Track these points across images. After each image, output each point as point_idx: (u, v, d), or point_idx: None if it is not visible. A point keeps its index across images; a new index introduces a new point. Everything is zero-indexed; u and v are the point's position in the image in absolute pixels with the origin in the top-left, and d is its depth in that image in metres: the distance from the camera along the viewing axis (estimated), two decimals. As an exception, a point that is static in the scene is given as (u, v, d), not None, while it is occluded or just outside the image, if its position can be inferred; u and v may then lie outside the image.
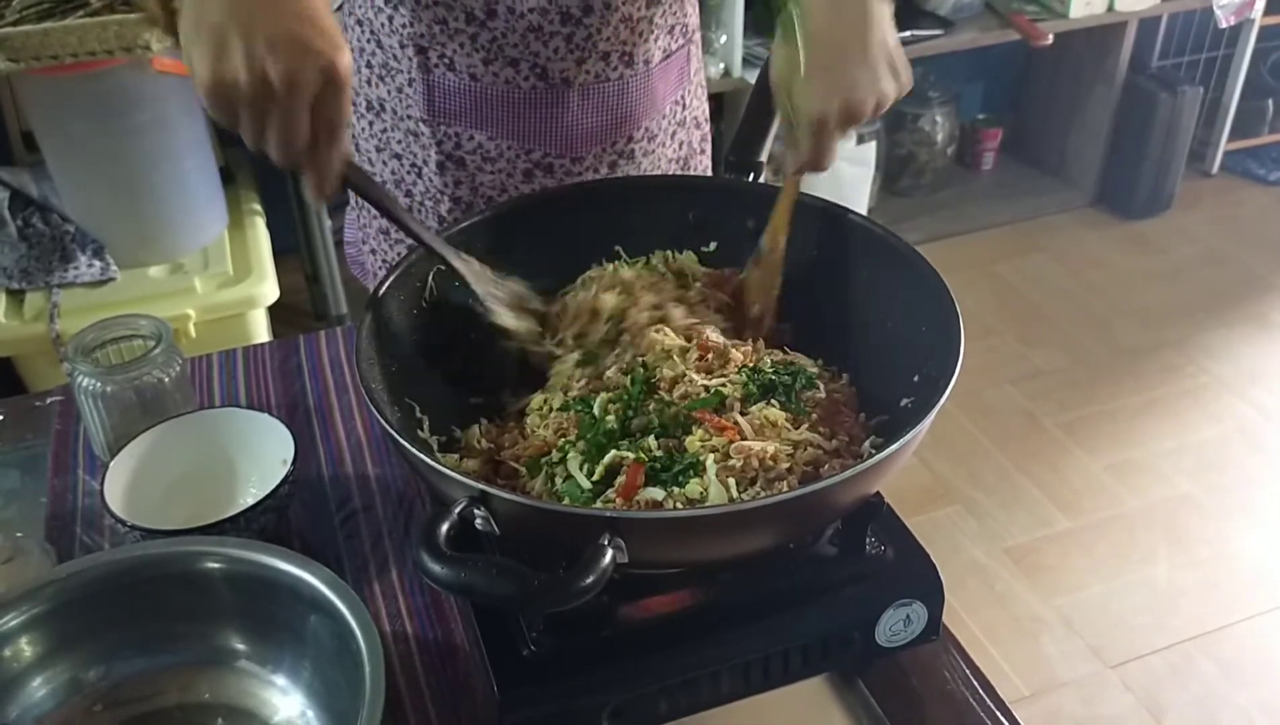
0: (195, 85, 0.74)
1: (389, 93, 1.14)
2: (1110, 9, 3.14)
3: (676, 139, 1.23)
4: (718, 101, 2.91)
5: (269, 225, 2.36)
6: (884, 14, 0.88)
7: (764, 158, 1.04)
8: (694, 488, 0.78)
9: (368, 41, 1.13)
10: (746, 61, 2.83)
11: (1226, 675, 2.05)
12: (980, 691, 0.86)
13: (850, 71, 0.85)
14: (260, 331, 2.19)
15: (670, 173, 1.23)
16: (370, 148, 1.19)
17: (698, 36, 1.22)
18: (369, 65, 1.14)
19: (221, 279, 2.14)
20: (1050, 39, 2.98)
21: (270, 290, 2.16)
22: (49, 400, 1.17)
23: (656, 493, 0.78)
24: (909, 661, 0.88)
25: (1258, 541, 2.34)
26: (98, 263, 2.11)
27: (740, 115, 1.07)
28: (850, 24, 0.86)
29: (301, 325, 2.76)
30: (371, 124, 1.18)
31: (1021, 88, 3.66)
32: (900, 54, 0.88)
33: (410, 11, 1.05)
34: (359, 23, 1.13)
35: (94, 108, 2.00)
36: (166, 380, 1.02)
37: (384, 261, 1.25)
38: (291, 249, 2.75)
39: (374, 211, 1.23)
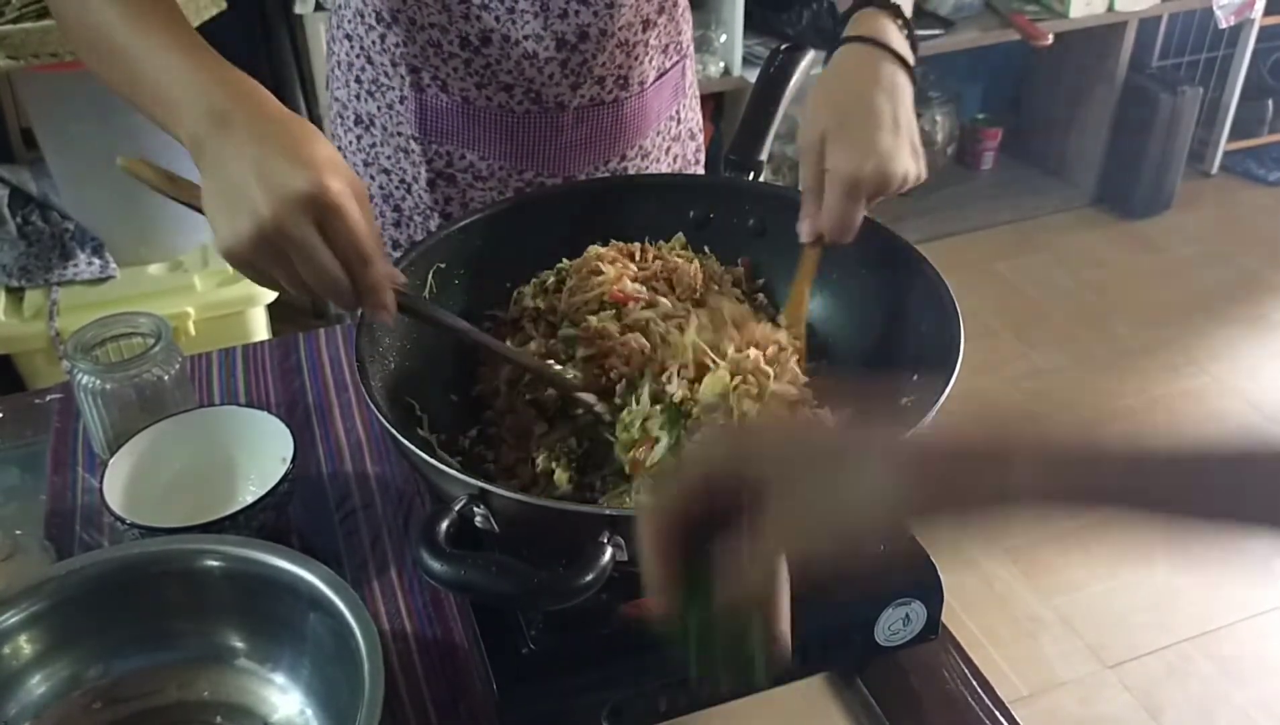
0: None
1: (379, 109, 1.13)
2: (1110, 9, 3.14)
3: (671, 153, 1.23)
4: (718, 101, 2.91)
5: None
6: (909, 93, 0.90)
7: (764, 157, 1.04)
8: None
9: (356, 57, 1.12)
10: (746, 60, 2.83)
11: (1225, 675, 2.05)
12: (979, 691, 0.86)
13: (885, 139, 0.86)
14: (260, 329, 2.19)
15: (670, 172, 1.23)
16: (358, 162, 1.19)
17: (692, 50, 1.22)
18: (358, 80, 1.13)
19: (221, 277, 2.15)
20: (1050, 39, 2.98)
21: (268, 289, 2.15)
22: (48, 398, 1.17)
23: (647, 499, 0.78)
24: (908, 661, 0.87)
25: (1257, 541, 2.34)
26: (97, 260, 2.11)
27: (740, 114, 1.07)
28: (883, 96, 0.87)
29: (301, 323, 2.76)
30: (359, 138, 1.17)
31: (1022, 87, 3.66)
32: (918, 138, 0.90)
33: (404, 32, 1.04)
34: (347, 37, 1.12)
35: (94, 105, 2.00)
36: (166, 378, 1.02)
37: None
38: (291, 247, 2.74)
39: None
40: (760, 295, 1.01)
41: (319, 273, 0.72)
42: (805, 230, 0.91)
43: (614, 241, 0.99)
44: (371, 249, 0.74)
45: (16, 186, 2.18)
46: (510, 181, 1.13)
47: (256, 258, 0.72)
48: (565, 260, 0.98)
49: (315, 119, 2.48)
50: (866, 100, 0.87)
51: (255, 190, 0.70)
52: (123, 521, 0.88)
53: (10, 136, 2.30)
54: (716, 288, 0.98)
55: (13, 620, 0.78)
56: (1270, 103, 3.63)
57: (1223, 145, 3.62)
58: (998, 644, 2.11)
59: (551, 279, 0.96)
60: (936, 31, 3.00)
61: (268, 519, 0.91)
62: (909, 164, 0.88)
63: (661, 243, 1.01)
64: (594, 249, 0.97)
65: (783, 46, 1.08)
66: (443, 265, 0.95)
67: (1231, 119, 3.56)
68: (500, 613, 0.78)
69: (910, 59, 0.91)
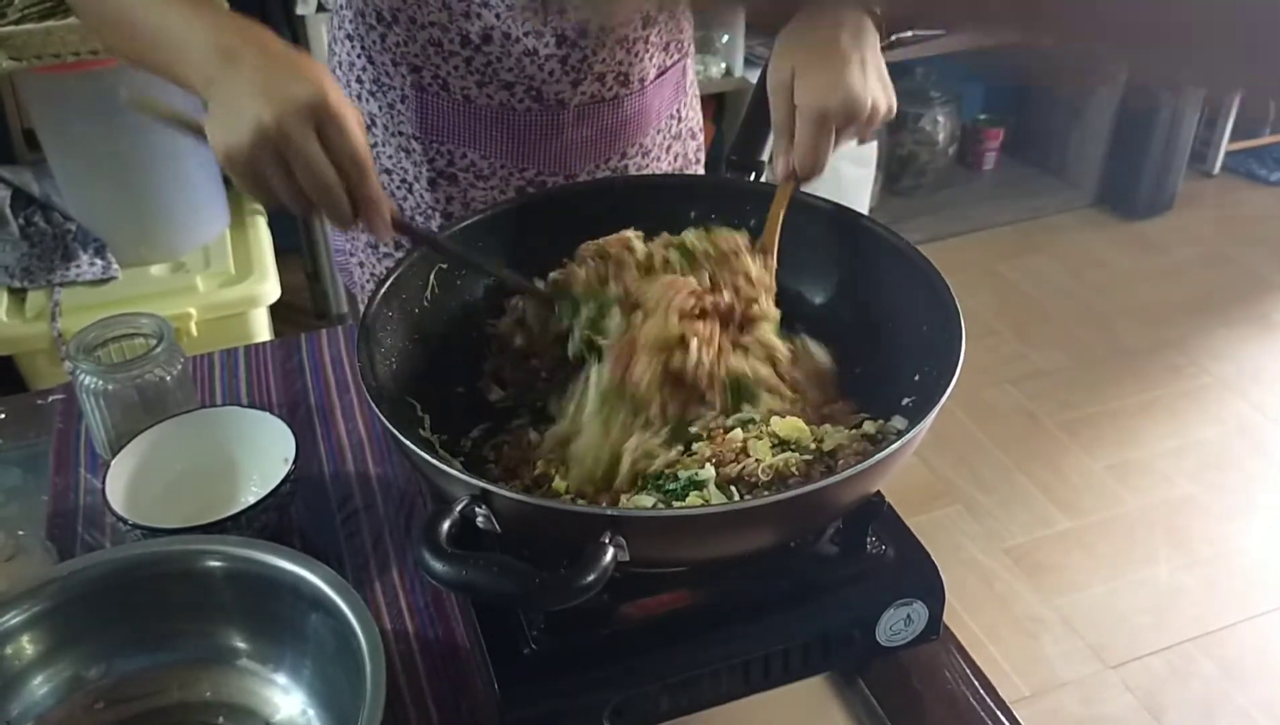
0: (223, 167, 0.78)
1: (380, 108, 1.13)
2: (1112, 9, 3.13)
3: (672, 151, 1.23)
4: (719, 101, 2.92)
5: (270, 224, 2.36)
6: (875, 39, 0.95)
7: (765, 157, 1.04)
8: (694, 500, 0.77)
9: (358, 56, 1.12)
10: (748, 61, 2.83)
11: (1227, 675, 2.05)
12: (980, 691, 0.86)
13: (851, 73, 0.91)
14: (262, 330, 2.19)
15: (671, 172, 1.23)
16: None
17: (693, 49, 1.22)
18: (359, 80, 1.13)
19: (223, 278, 2.15)
20: (1052, 39, 2.98)
21: (272, 289, 2.16)
22: (50, 398, 1.18)
23: (646, 500, 0.78)
24: (909, 661, 0.88)
25: (1258, 542, 2.34)
26: (99, 261, 2.11)
27: (741, 115, 1.07)
28: (848, 38, 0.93)
29: (303, 324, 2.77)
30: None
31: (1023, 87, 3.66)
32: (887, 75, 0.96)
33: (405, 31, 1.04)
34: (348, 37, 1.12)
35: (96, 106, 2.00)
36: (168, 379, 1.02)
37: (371, 274, 1.25)
38: (293, 248, 2.75)
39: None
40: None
41: (316, 176, 0.77)
42: (779, 167, 0.96)
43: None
44: (368, 162, 0.78)
45: (19, 187, 2.18)
46: (511, 180, 1.13)
47: (255, 159, 0.76)
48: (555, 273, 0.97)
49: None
50: (833, 43, 0.92)
51: (260, 100, 0.75)
52: (125, 522, 0.88)
53: (12, 137, 2.30)
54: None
55: (15, 621, 0.78)
56: (1271, 103, 3.63)
57: (1224, 145, 3.62)
58: (999, 644, 2.11)
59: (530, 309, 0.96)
60: (938, 31, 3.00)
61: (270, 519, 0.92)
62: (877, 94, 0.93)
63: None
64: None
65: (784, 47, 1.08)
66: (444, 266, 0.95)
67: (1233, 119, 3.56)
68: (502, 613, 0.79)
69: (876, 9, 0.97)
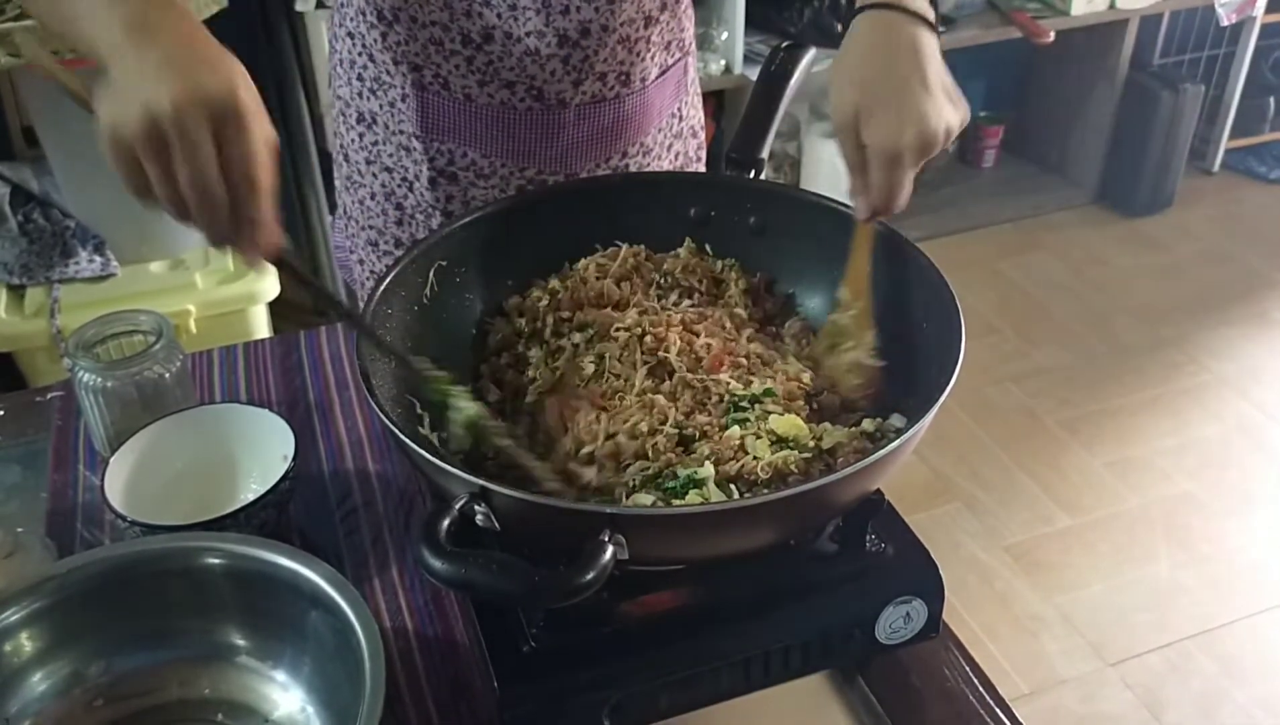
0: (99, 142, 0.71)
1: (380, 106, 1.12)
2: (1112, 7, 3.14)
3: (673, 150, 1.23)
4: (719, 99, 2.91)
5: (270, 221, 2.35)
6: (934, 47, 0.86)
7: (765, 155, 1.04)
8: (694, 498, 0.77)
9: (359, 55, 1.11)
10: (748, 58, 2.83)
11: (1226, 673, 2.05)
12: (980, 689, 0.86)
13: (918, 103, 0.83)
14: (261, 327, 2.19)
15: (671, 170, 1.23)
16: (360, 160, 1.18)
17: (694, 48, 1.21)
18: (360, 78, 1.13)
19: (222, 275, 2.15)
20: (1052, 36, 2.98)
21: (271, 286, 2.16)
22: (50, 396, 1.17)
23: (645, 498, 0.78)
24: (909, 659, 0.88)
25: (1258, 539, 2.35)
26: (98, 258, 2.11)
27: (742, 112, 1.07)
28: (907, 59, 0.84)
29: (302, 321, 2.76)
30: (362, 136, 1.17)
31: (1023, 85, 3.66)
32: (954, 85, 0.86)
33: (405, 30, 1.04)
34: (349, 35, 1.11)
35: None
36: (167, 376, 1.02)
37: (371, 272, 1.25)
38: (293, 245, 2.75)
39: (361, 223, 1.23)
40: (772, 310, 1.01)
41: (199, 181, 0.69)
42: (860, 208, 0.88)
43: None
44: (263, 180, 0.70)
45: (18, 184, 2.18)
46: (512, 179, 1.13)
47: (140, 144, 0.69)
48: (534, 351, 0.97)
49: (317, 117, 2.48)
50: (892, 68, 0.84)
51: (164, 83, 0.67)
52: (124, 519, 0.88)
53: (11, 134, 2.30)
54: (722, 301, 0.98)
55: (14, 618, 0.78)
56: (1272, 100, 3.63)
57: (1224, 143, 3.62)
58: (998, 642, 2.11)
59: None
60: (938, 29, 3.00)
61: (269, 517, 0.92)
62: (949, 117, 0.84)
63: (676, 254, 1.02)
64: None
65: (784, 45, 1.08)
66: (444, 263, 0.95)
67: (1233, 117, 3.56)
68: (501, 611, 0.79)
69: (930, 15, 0.87)
